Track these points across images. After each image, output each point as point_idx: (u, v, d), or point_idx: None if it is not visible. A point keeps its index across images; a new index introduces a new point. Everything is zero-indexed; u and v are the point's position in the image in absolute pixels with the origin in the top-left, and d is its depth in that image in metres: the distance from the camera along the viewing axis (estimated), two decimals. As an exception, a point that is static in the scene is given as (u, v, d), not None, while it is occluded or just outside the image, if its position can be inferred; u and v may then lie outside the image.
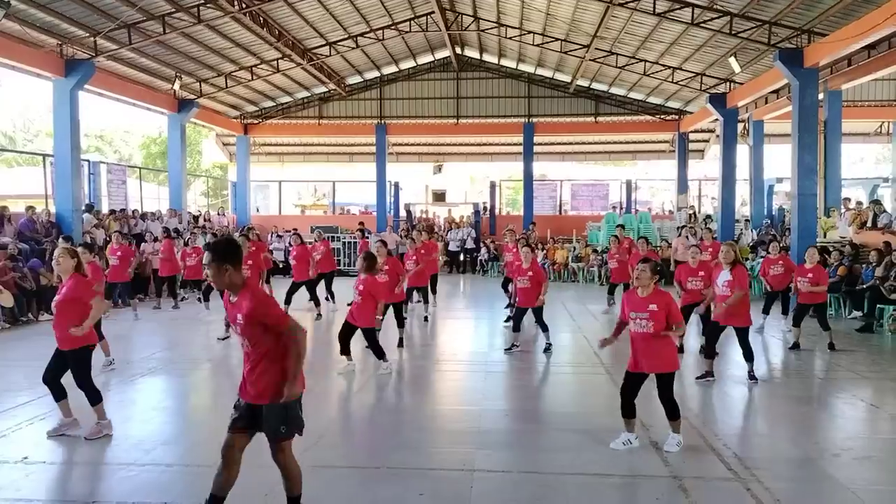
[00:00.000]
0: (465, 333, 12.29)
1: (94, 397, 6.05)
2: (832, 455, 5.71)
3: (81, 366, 6.02)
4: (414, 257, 12.38)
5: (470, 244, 23.42)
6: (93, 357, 6.20)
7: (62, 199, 15.97)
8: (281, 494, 4.36)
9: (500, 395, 7.86)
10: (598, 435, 6.00)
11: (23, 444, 5.89)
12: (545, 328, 9.76)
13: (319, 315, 13.14)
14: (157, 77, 19.69)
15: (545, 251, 21.44)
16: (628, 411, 5.76)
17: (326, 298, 14.23)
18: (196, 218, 22.48)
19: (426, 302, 13.11)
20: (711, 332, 8.15)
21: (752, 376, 8.04)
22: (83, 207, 16.65)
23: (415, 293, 12.90)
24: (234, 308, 4.07)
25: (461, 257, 23.69)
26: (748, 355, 8.02)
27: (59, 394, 6.07)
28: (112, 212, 18.65)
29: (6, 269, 12.79)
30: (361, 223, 24.00)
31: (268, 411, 4.06)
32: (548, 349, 9.71)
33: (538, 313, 9.73)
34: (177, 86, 19.62)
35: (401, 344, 10.06)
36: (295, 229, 15.99)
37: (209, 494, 4.17)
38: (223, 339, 10.54)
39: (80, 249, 7.44)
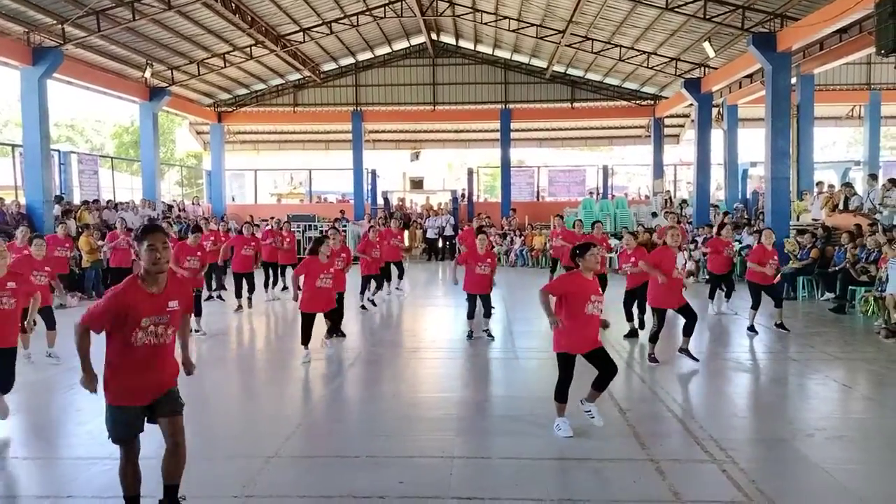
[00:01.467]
0: (442, 320, 12.29)
1: (10, 386, 6.07)
2: (806, 435, 5.80)
3: (14, 359, 6.10)
4: (377, 245, 12.46)
5: (449, 231, 23.40)
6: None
7: (32, 189, 15.72)
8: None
9: (477, 382, 7.88)
10: (576, 419, 6.03)
11: (-5, 440, 5.80)
12: (489, 314, 9.85)
13: (249, 303, 12.83)
14: (127, 65, 19.36)
15: (523, 238, 21.49)
16: (566, 395, 5.84)
17: (284, 288, 14.21)
18: (170, 208, 22.21)
19: (379, 288, 13.17)
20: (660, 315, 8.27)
21: (688, 354, 8.25)
22: (53, 198, 16.38)
23: (373, 280, 12.88)
24: (162, 297, 3.98)
25: (440, 244, 23.67)
26: (688, 329, 8.18)
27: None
28: (84, 202, 18.35)
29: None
30: (342, 211, 23.95)
31: (172, 391, 4.06)
32: (489, 334, 9.78)
33: (489, 300, 9.82)
34: (148, 74, 19.31)
35: (329, 335, 9.80)
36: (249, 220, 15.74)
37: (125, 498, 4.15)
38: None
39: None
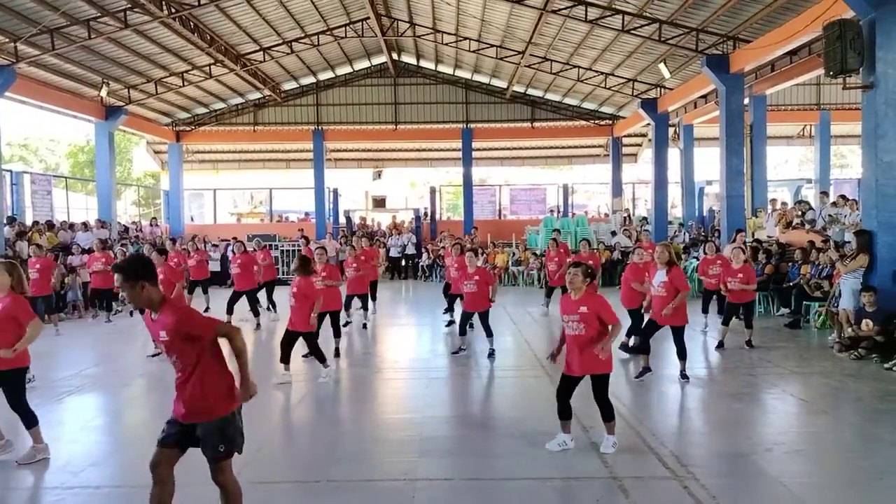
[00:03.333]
0: (406, 340, 12.23)
1: (30, 420, 5.76)
2: (764, 450, 5.88)
3: (16, 388, 5.72)
4: (354, 264, 12.25)
5: (411, 250, 23.36)
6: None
7: (-18, 211, 15.27)
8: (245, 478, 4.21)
9: (442, 402, 7.83)
10: (538, 439, 6.03)
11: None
12: (490, 333, 9.80)
13: (259, 325, 12.89)
14: (82, 83, 19.01)
15: (485, 256, 21.55)
16: (564, 413, 5.81)
17: (268, 308, 13.99)
18: (127, 229, 21.77)
19: (365, 309, 13.00)
20: (648, 329, 8.35)
21: (683, 375, 8.25)
22: (4, 220, 15.93)
23: (354, 300, 12.74)
24: (156, 325, 3.91)
25: (402, 263, 23.60)
26: (682, 354, 8.22)
27: None
28: (35, 223, 17.89)
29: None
30: (301, 230, 23.72)
31: (204, 430, 3.90)
32: (492, 354, 9.73)
33: (485, 318, 9.79)
34: (104, 92, 18.98)
35: (337, 354, 9.86)
36: (235, 238, 15.70)
37: None
38: (155, 356, 10.13)
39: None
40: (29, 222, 18.08)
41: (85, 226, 19.42)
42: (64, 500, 5.03)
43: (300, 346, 8.72)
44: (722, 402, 7.64)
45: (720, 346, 10.16)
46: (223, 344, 3.98)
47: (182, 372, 3.93)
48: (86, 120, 20.93)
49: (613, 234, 22.12)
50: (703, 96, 19.24)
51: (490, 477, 5.32)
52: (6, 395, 5.71)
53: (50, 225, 17.99)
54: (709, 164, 25.58)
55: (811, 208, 16.60)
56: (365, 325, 12.80)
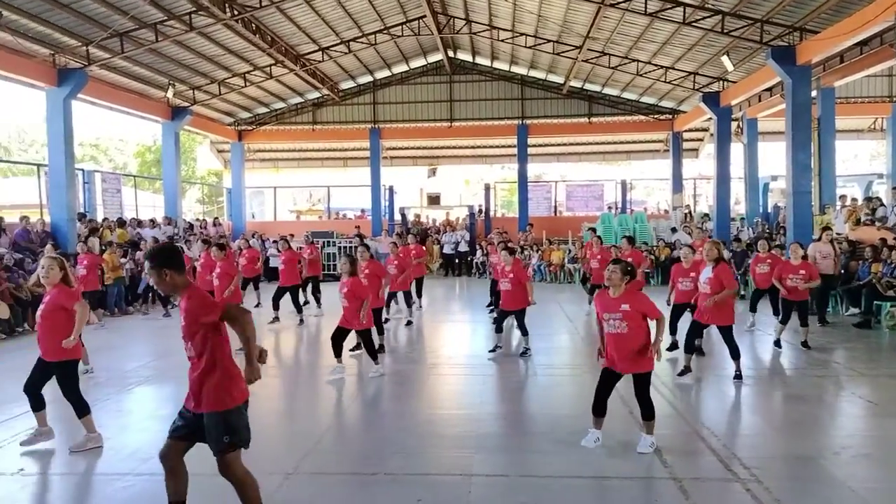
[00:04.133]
0: (461, 337, 12.26)
1: (83, 409, 5.99)
2: (832, 453, 5.70)
3: (69, 378, 5.96)
4: (395, 262, 12.40)
5: (464, 247, 23.38)
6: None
7: (57, 208, 15.95)
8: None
9: (497, 399, 7.83)
10: (606, 438, 5.96)
11: (18, 456, 5.84)
12: (525, 332, 9.71)
13: (302, 321, 13.09)
14: (150, 85, 19.66)
15: (541, 253, 21.43)
16: (600, 409, 5.75)
17: (306, 303, 14.27)
18: (191, 225, 22.43)
19: (409, 306, 13.08)
20: (692, 329, 8.20)
21: (738, 375, 8.04)
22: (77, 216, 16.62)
23: (396, 297, 12.85)
24: (180, 312, 4.01)
25: (456, 260, 23.66)
26: (735, 353, 8.03)
27: (39, 404, 6.02)
28: (105, 220, 18.59)
29: (1, 280, 12.75)
30: (357, 227, 24.04)
31: (209, 421, 3.90)
32: (525, 353, 9.66)
33: (521, 316, 9.69)
34: (170, 93, 19.61)
35: (381, 350, 9.84)
36: (281, 235, 15.99)
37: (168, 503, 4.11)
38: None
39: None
40: (100, 219, 18.78)
41: (152, 223, 20.10)
42: (133, 485, 5.22)
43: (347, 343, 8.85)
44: (786, 403, 7.43)
45: (777, 344, 9.86)
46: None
47: (194, 360, 3.97)
48: (153, 120, 21.63)
49: (674, 230, 21.71)
50: (768, 89, 18.67)
51: (547, 474, 5.29)
52: (61, 385, 5.95)
53: (121, 222, 18.66)
54: (774, 159, 24.88)
55: (882, 204, 15.95)
56: (409, 322, 12.82)
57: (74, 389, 5.98)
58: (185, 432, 4.01)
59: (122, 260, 15.32)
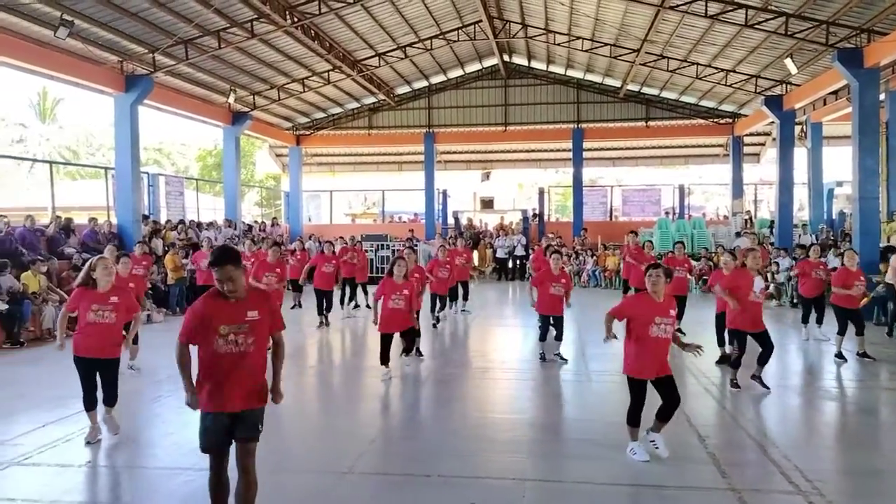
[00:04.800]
0: (513, 341, 12.22)
1: (115, 399, 6.27)
2: (899, 468, 5.50)
3: (117, 375, 6.30)
4: (446, 264, 12.51)
5: (520, 251, 23.28)
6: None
7: (123, 210, 16.52)
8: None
9: (549, 404, 7.79)
10: (650, 446, 5.88)
11: (86, 449, 6.07)
12: (561, 338, 9.70)
13: (328, 322, 13.16)
14: (212, 91, 20.21)
15: (595, 258, 21.21)
16: (639, 420, 5.70)
17: (356, 305, 14.51)
18: (250, 227, 22.95)
19: (442, 307, 13.14)
20: (741, 342, 7.95)
21: (756, 376, 7.89)
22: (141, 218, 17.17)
23: (439, 300, 12.93)
24: (241, 306, 4.03)
25: (510, 264, 23.60)
26: (763, 359, 7.85)
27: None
28: (168, 221, 19.17)
29: (70, 278, 13.27)
30: (411, 230, 24.20)
31: (251, 414, 4.06)
32: (560, 357, 9.63)
33: (560, 322, 9.65)
34: (231, 99, 20.13)
35: (419, 353, 9.88)
36: (328, 240, 16.15)
37: None
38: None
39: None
40: (163, 221, 19.37)
41: (211, 225, 20.61)
42: (194, 480, 5.37)
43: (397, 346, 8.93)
44: (851, 415, 7.19)
45: (839, 356, 9.53)
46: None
47: (250, 357, 4.04)
48: (214, 125, 22.21)
49: (738, 234, 21.20)
50: (834, 92, 18.09)
51: (602, 481, 5.25)
52: (110, 381, 6.20)
53: (179, 224, 19.19)
54: (839, 164, 24.04)
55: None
56: (437, 320, 12.77)
57: (116, 385, 6.29)
58: (224, 440, 4.07)
59: (184, 261, 15.77)
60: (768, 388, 7.85)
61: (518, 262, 23.39)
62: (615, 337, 5.86)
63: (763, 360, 7.83)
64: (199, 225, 20.22)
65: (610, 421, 6.90)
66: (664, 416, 5.65)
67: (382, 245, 22.62)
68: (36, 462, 5.76)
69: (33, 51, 13.85)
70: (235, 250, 4.16)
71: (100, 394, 6.17)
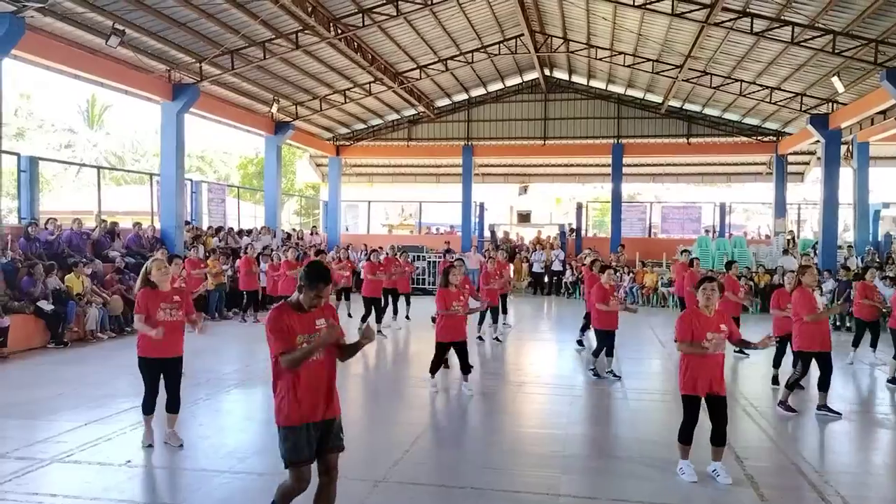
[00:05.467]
0: (548, 356, 12.15)
1: (179, 403, 6.33)
2: (947, 500, 5.33)
3: (180, 374, 6.35)
4: (495, 276, 12.52)
5: (557, 266, 23.15)
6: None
7: (166, 215, 16.85)
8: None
9: (585, 420, 7.72)
10: (713, 475, 5.78)
11: (126, 448, 6.20)
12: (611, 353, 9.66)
13: (381, 331, 13.17)
14: (256, 100, 20.57)
15: (633, 275, 21.00)
16: (691, 438, 5.62)
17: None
18: (289, 236, 23.23)
19: (495, 322, 13.08)
20: (805, 362, 7.80)
21: (829, 409, 7.67)
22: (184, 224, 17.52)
23: (491, 312, 12.89)
24: (312, 316, 4.11)
25: (545, 279, 23.47)
26: (823, 385, 7.67)
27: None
28: (209, 227, 19.51)
29: (113, 281, 13.60)
30: (447, 242, 24.26)
31: (336, 423, 4.17)
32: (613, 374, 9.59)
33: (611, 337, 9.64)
34: (274, 109, 20.46)
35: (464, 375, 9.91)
36: (373, 249, 16.34)
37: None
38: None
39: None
40: (205, 227, 19.72)
41: (249, 233, 20.91)
42: (230, 483, 5.45)
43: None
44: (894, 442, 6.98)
45: (893, 381, 9.27)
46: None
47: (326, 369, 4.14)
48: (257, 134, 22.59)
49: (785, 252, 20.78)
50: (882, 112, 17.69)
51: (637, 499, 5.18)
52: (176, 380, 6.28)
53: (223, 230, 19.54)
54: (887, 184, 23.51)
55: None
56: (497, 339, 12.80)
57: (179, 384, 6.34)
58: (313, 450, 4.10)
59: (224, 267, 16.04)
60: (839, 413, 7.64)
61: (555, 277, 23.24)
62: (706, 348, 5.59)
63: (823, 384, 7.64)
64: (239, 232, 20.53)
65: (646, 439, 6.83)
66: (715, 440, 5.55)
67: (418, 256, 22.70)
68: (77, 460, 5.90)
69: (85, 58, 14.27)
70: (319, 267, 4.20)
71: (161, 400, 6.24)
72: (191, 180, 20.51)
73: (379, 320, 13.37)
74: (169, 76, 16.47)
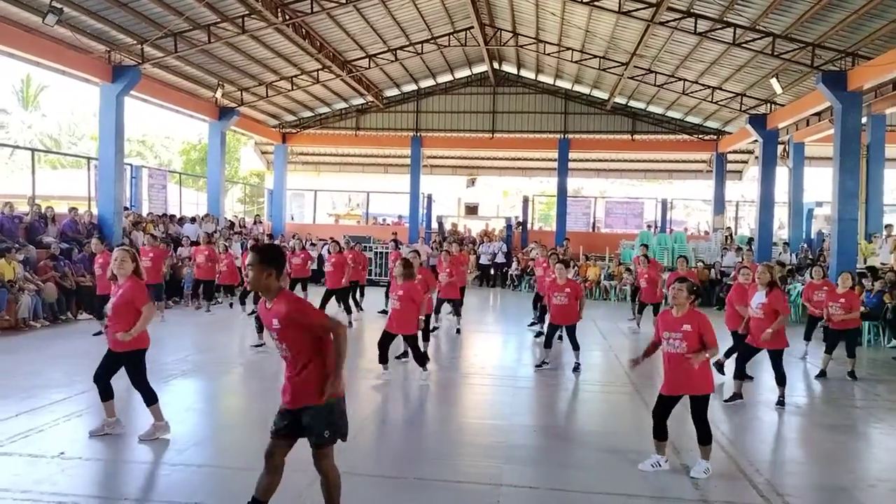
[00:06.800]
0: (493, 348, 12.26)
1: (150, 398, 6.11)
2: (868, 486, 5.59)
3: (137, 368, 6.07)
4: (448, 269, 12.38)
5: (501, 258, 23.37)
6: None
7: (104, 201, 16.35)
8: (310, 499, 4.39)
9: (527, 411, 7.83)
10: (625, 455, 5.94)
11: (59, 440, 6.01)
12: (577, 347, 9.64)
13: (351, 323, 13.22)
14: (200, 85, 20.09)
15: (577, 268, 21.31)
16: (660, 433, 5.68)
17: (352, 308, 14.47)
18: (232, 224, 22.80)
19: (458, 314, 13.10)
20: (745, 354, 8.06)
21: (781, 402, 7.91)
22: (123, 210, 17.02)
23: (445, 305, 12.88)
24: (269, 313, 4.05)
25: (491, 271, 23.66)
26: (781, 380, 7.90)
27: (107, 394, 6.11)
28: (149, 214, 19.00)
29: (47, 267, 13.14)
30: (394, 233, 24.17)
31: (311, 415, 4.02)
32: (577, 369, 9.58)
33: (572, 331, 9.63)
34: (219, 94, 20.01)
35: (426, 357, 9.97)
36: (332, 238, 16.28)
37: (251, 497, 4.16)
38: (257, 347, 10.57)
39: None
40: (145, 213, 19.18)
41: (193, 220, 20.44)
42: (170, 475, 5.35)
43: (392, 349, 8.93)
44: (823, 432, 7.29)
45: (822, 374, 9.67)
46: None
47: (292, 361, 4.07)
48: (200, 119, 22.08)
49: (725, 250, 21.35)
50: (817, 114, 18.36)
51: (575, 489, 5.28)
52: (129, 374, 6.07)
53: (161, 217, 19.05)
54: (819, 184, 24.42)
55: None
56: (458, 331, 12.85)
57: (143, 378, 6.11)
58: (287, 431, 4.12)
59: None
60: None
61: (499, 269, 23.46)
62: (639, 362, 6.00)
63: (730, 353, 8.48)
64: (180, 220, 20.05)
65: (585, 430, 6.97)
66: (698, 438, 5.62)
67: (366, 247, 22.55)
68: (7, 452, 5.70)
69: (20, 36, 13.69)
70: (271, 249, 4.24)
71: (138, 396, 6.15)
72: (130, 165, 19.94)
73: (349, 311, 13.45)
74: (109, 57, 15.94)
